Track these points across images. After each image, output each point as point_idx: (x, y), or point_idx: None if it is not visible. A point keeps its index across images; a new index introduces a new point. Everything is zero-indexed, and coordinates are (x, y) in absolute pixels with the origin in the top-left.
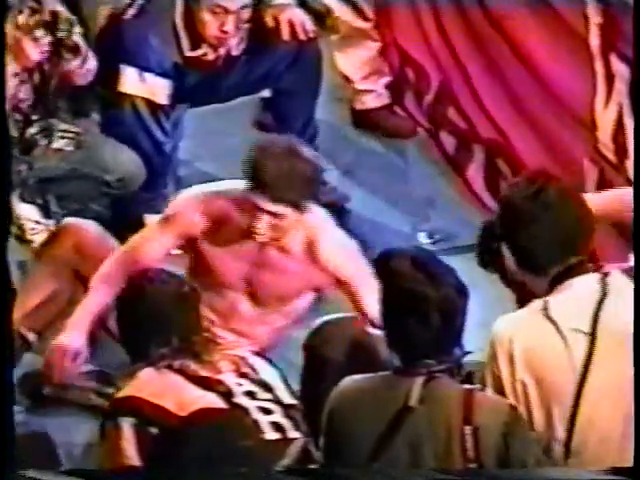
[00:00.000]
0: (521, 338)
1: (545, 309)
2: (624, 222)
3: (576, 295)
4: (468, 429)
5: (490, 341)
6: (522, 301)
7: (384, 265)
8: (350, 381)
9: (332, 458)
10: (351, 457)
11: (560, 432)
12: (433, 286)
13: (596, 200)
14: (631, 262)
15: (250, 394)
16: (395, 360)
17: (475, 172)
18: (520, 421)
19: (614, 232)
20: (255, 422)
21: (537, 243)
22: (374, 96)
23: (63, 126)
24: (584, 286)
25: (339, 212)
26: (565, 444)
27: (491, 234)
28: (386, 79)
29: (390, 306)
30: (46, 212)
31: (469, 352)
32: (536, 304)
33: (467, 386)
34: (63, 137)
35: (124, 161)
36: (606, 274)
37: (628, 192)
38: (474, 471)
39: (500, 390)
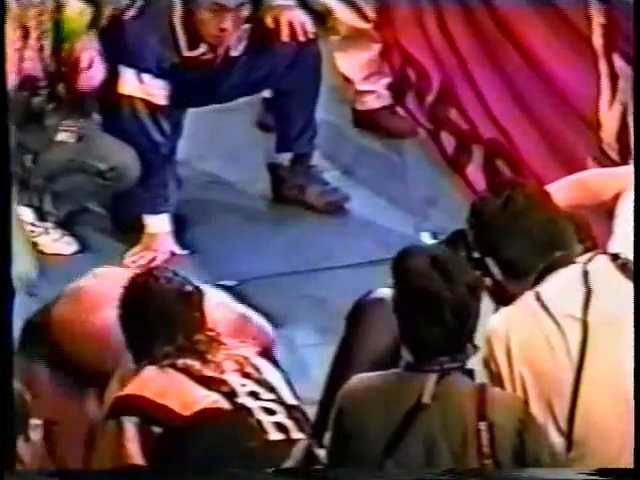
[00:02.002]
0: (517, 330)
1: (538, 299)
2: (603, 206)
3: (564, 283)
4: (483, 425)
5: (486, 338)
6: (502, 303)
7: (402, 263)
8: (359, 379)
9: (340, 458)
10: (361, 456)
11: (562, 424)
12: (448, 285)
13: (559, 193)
14: (613, 248)
15: (254, 394)
16: (408, 357)
17: (474, 172)
18: (533, 417)
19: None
20: (259, 422)
21: (518, 252)
22: (375, 97)
23: (67, 122)
24: (570, 276)
25: (339, 212)
26: (567, 436)
27: (463, 244)
28: (387, 80)
29: (405, 304)
30: (40, 215)
31: (479, 348)
32: (527, 296)
33: (480, 382)
34: (66, 130)
35: (117, 151)
36: (587, 267)
37: (591, 175)
38: (473, 471)
39: (500, 387)
